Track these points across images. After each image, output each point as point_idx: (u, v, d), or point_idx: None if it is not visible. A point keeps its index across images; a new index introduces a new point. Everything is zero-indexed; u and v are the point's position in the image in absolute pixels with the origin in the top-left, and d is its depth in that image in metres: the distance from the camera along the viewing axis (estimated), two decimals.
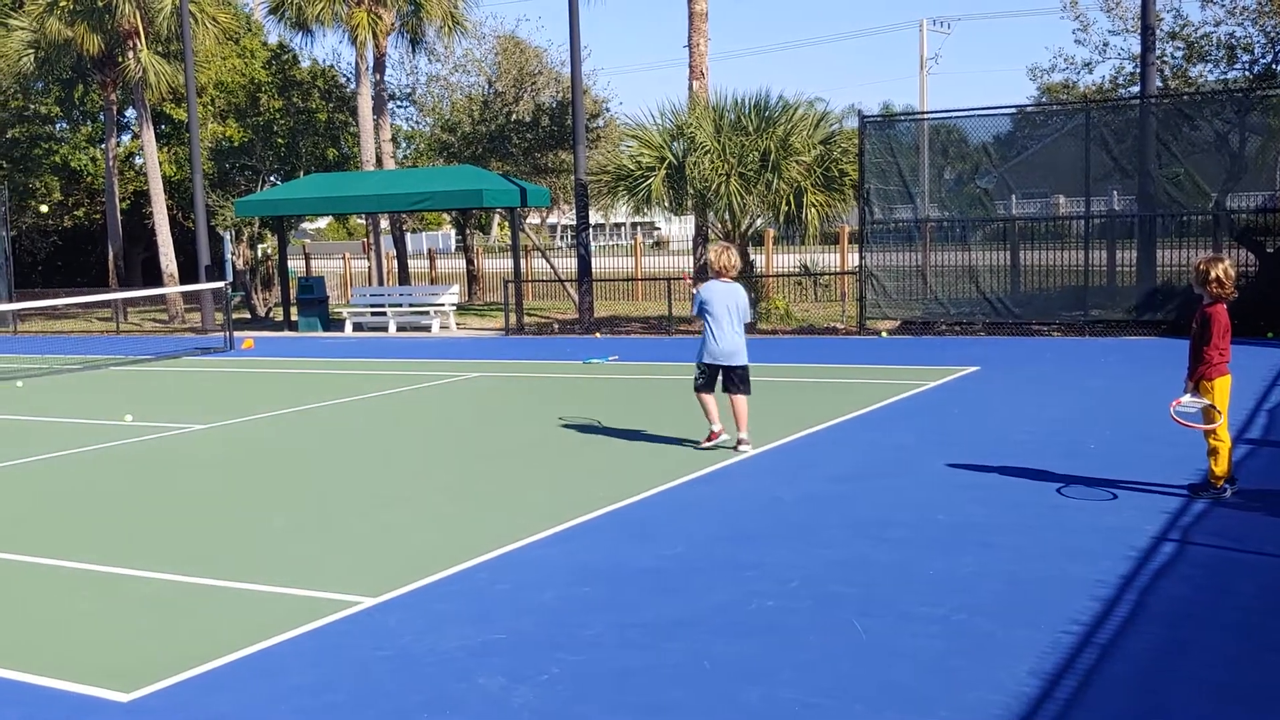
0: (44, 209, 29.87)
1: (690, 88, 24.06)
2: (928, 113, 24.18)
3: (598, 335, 22.46)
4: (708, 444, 9.84)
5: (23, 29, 31.74)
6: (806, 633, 5.31)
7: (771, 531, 7.16)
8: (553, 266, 30.98)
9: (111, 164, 34.39)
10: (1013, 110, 21.17)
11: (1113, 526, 6.97)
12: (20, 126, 36.56)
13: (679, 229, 35.82)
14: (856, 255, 21.53)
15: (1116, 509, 7.43)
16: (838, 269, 27.21)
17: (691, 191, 21.95)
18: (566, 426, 11.36)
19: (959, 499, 7.83)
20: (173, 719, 4.58)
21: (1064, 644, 5.02)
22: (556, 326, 24.70)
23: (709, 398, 9.80)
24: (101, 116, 36.57)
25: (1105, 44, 28.52)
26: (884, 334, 20.24)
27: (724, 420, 9.94)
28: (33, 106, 36.59)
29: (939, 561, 6.38)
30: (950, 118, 20.74)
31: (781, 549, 6.74)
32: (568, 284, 28.43)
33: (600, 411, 12.31)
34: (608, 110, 36.30)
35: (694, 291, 10.06)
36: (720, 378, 9.78)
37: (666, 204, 22.74)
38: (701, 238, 23.65)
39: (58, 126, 39.24)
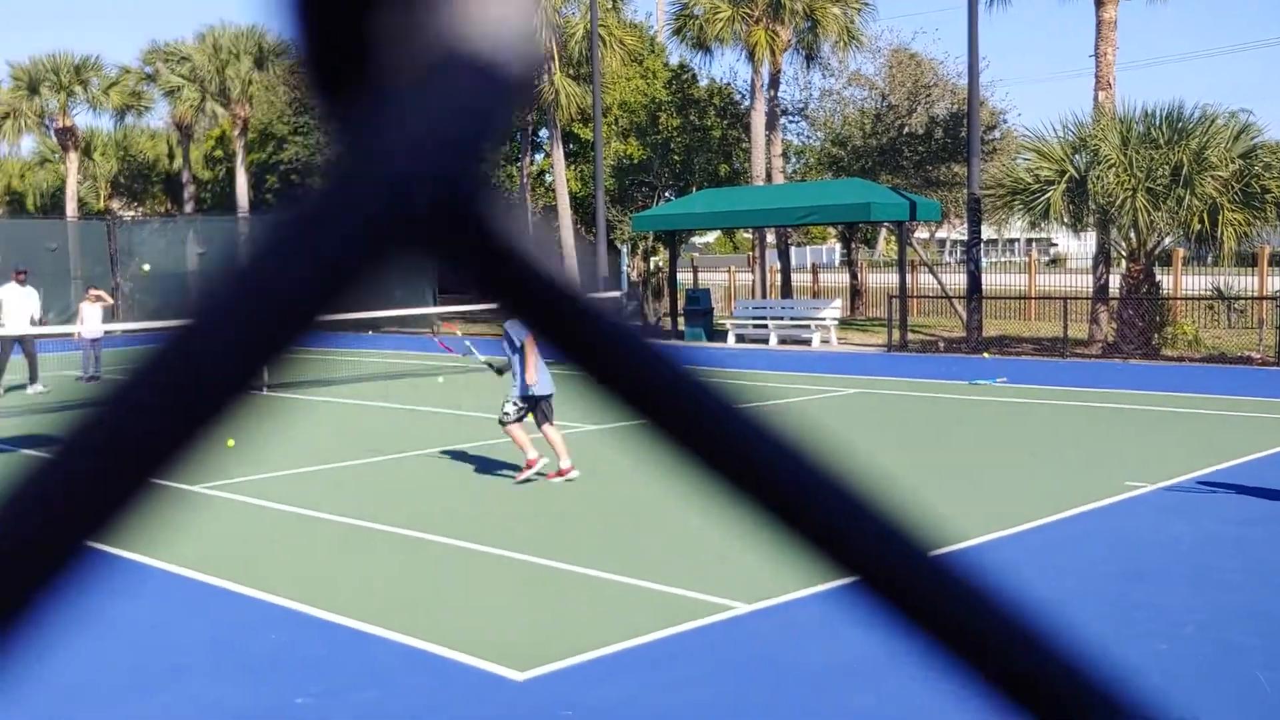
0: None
1: (1095, 98, 22.91)
2: None
3: (986, 355, 21.81)
4: (530, 470, 9.90)
5: None
6: (1200, 681, 4.96)
7: (1167, 571, 6.73)
8: (940, 282, 30.37)
9: (525, 181, 37.05)
10: None
11: None
12: None
13: (1077, 246, 34.12)
14: (1278, 279, 19.70)
15: None
16: (1255, 293, 24.99)
17: (1093, 207, 20.89)
18: (950, 449, 11.14)
19: None
20: (563, 700, 4.92)
21: None
22: (941, 345, 24.20)
23: (520, 429, 9.86)
24: (518, 136, 39.51)
25: None
26: None
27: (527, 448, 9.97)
28: None
29: None
30: None
31: (1177, 590, 6.32)
32: (955, 301, 27.78)
33: (987, 435, 11.98)
34: (1005, 122, 35.15)
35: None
36: (528, 408, 9.83)
37: (1065, 220, 21.76)
38: (1103, 255, 22.44)
39: None
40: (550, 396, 9.82)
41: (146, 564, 7.32)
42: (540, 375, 9.73)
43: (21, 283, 18.00)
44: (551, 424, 9.91)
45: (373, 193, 0.33)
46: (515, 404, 9.82)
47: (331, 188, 0.33)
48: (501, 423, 9.91)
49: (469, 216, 0.35)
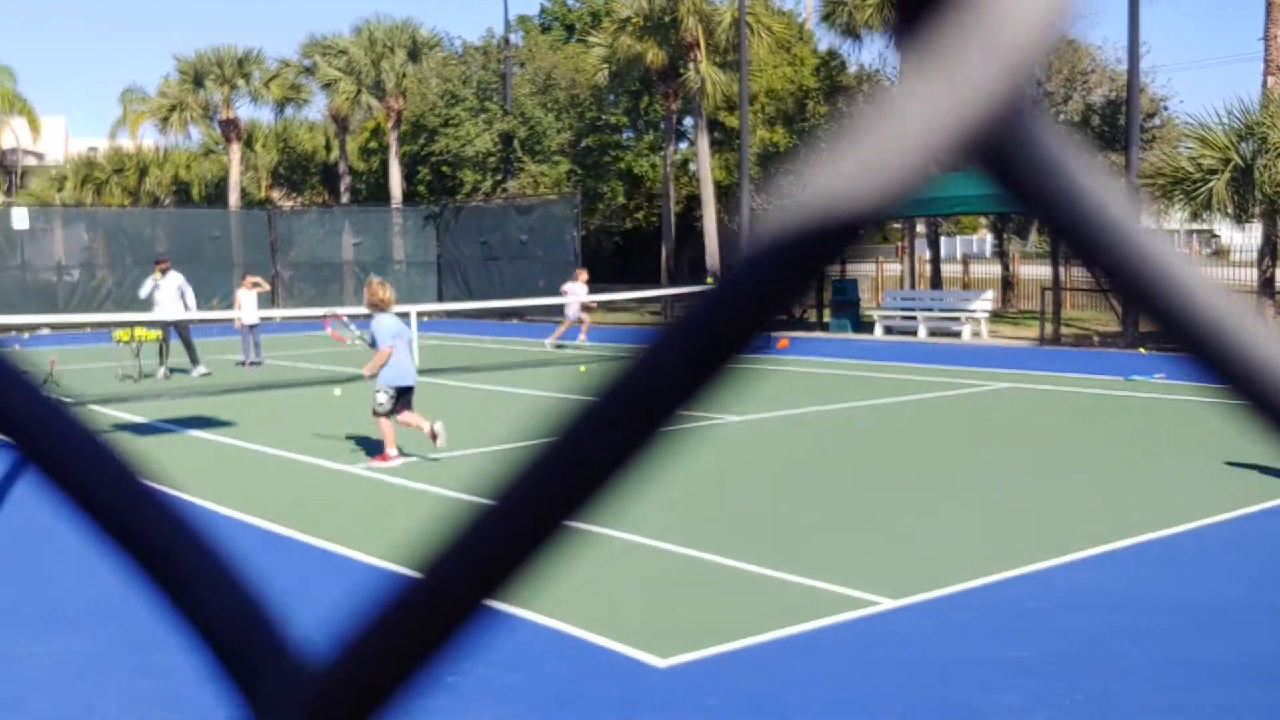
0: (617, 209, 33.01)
1: (1264, 83, 21.90)
2: None
3: (1142, 351, 21.04)
4: (383, 463, 10.08)
5: (600, 45, 35.14)
6: None
7: None
8: (1095, 275, 29.36)
9: (668, 170, 37.09)
10: None
11: None
12: (593, 135, 40.40)
13: (1241, 238, 32.65)
14: None
15: None
16: None
17: (1259, 197, 19.97)
18: (1106, 445, 10.78)
19: None
20: (707, 689, 4.91)
21: None
22: (1096, 339, 23.43)
23: (390, 422, 10.15)
24: (662, 125, 39.57)
25: None
26: None
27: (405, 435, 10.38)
28: (604, 117, 40.30)
29: None
30: None
31: None
32: (1111, 293, 26.82)
33: (1145, 432, 11.57)
34: (1165, 109, 33.82)
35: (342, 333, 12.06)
36: (399, 398, 10.18)
37: (1229, 210, 20.85)
38: (1269, 248, 21.43)
39: (624, 135, 42.96)
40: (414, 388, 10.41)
41: (292, 538, 7.58)
42: (408, 365, 10.28)
43: (164, 271, 18.43)
44: (410, 409, 10.35)
45: (946, 102, 0.35)
46: (388, 394, 10.10)
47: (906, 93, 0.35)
48: (375, 413, 10.19)
49: (1024, 130, 0.37)
